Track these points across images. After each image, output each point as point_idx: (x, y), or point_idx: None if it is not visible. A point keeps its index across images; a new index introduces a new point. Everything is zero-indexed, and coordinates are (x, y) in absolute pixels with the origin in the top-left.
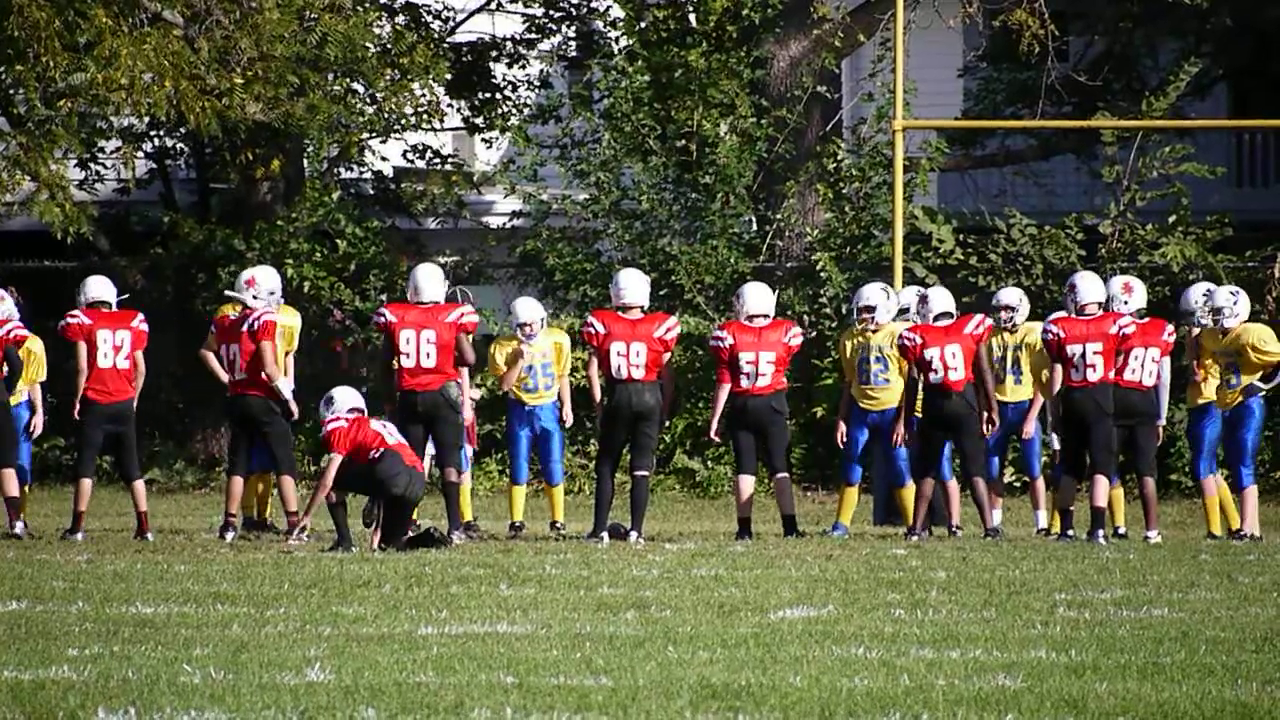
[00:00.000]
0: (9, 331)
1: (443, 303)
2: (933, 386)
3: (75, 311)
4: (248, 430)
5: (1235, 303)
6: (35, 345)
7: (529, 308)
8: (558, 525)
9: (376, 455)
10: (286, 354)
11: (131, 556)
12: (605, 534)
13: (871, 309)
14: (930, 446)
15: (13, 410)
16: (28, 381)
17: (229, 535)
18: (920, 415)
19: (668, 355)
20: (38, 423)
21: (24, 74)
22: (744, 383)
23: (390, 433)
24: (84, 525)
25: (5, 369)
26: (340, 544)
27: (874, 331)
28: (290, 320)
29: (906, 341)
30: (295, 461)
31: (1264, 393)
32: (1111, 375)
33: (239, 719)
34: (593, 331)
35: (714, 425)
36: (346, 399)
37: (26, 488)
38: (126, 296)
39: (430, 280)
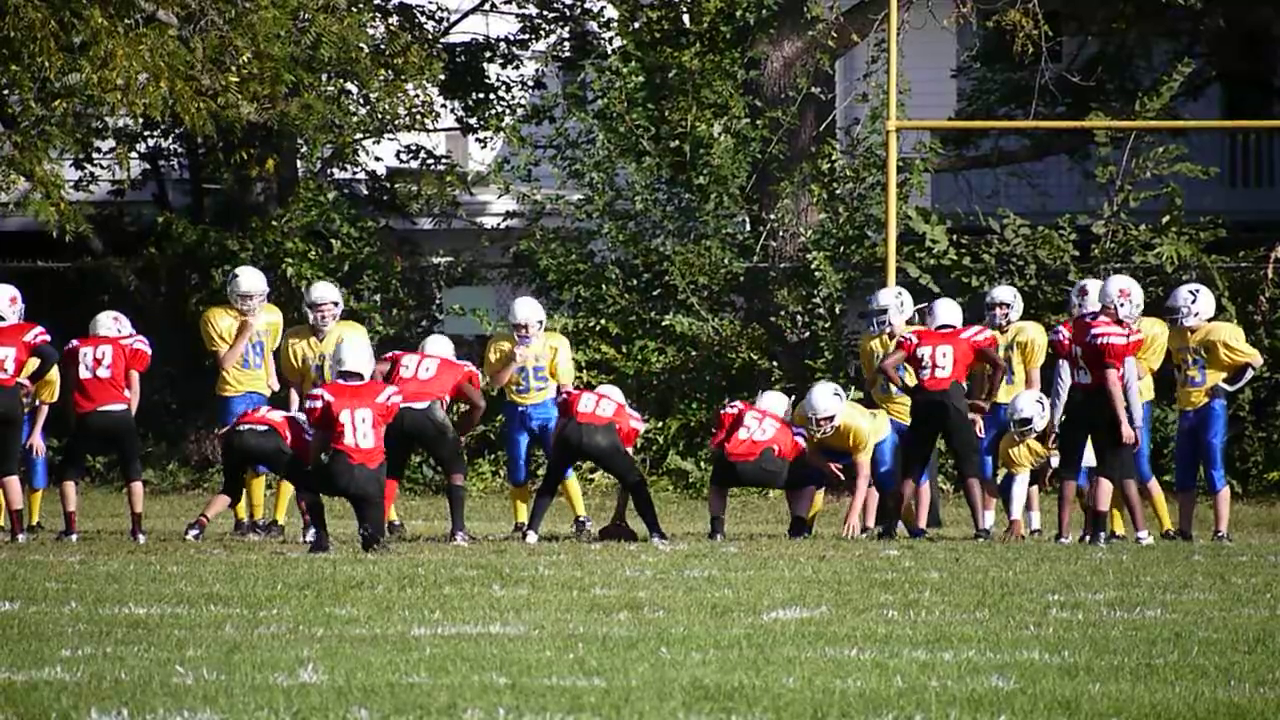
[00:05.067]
0: (36, 335)
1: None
2: (921, 387)
3: (74, 340)
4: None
5: (1194, 301)
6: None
7: (527, 308)
8: (582, 521)
9: (328, 457)
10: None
11: (124, 557)
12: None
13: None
14: (913, 450)
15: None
16: (49, 398)
17: (192, 534)
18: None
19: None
20: (35, 442)
21: (19, 74)
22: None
23: (352, 431)
24: (77, 526)
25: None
26: (316, 546)
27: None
28: (273, 317)
29: (902, 337)
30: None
31: (1227, 394)
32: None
33: None
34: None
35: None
36: (350, 358)
37: (40, 492)
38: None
39: (437, 345)
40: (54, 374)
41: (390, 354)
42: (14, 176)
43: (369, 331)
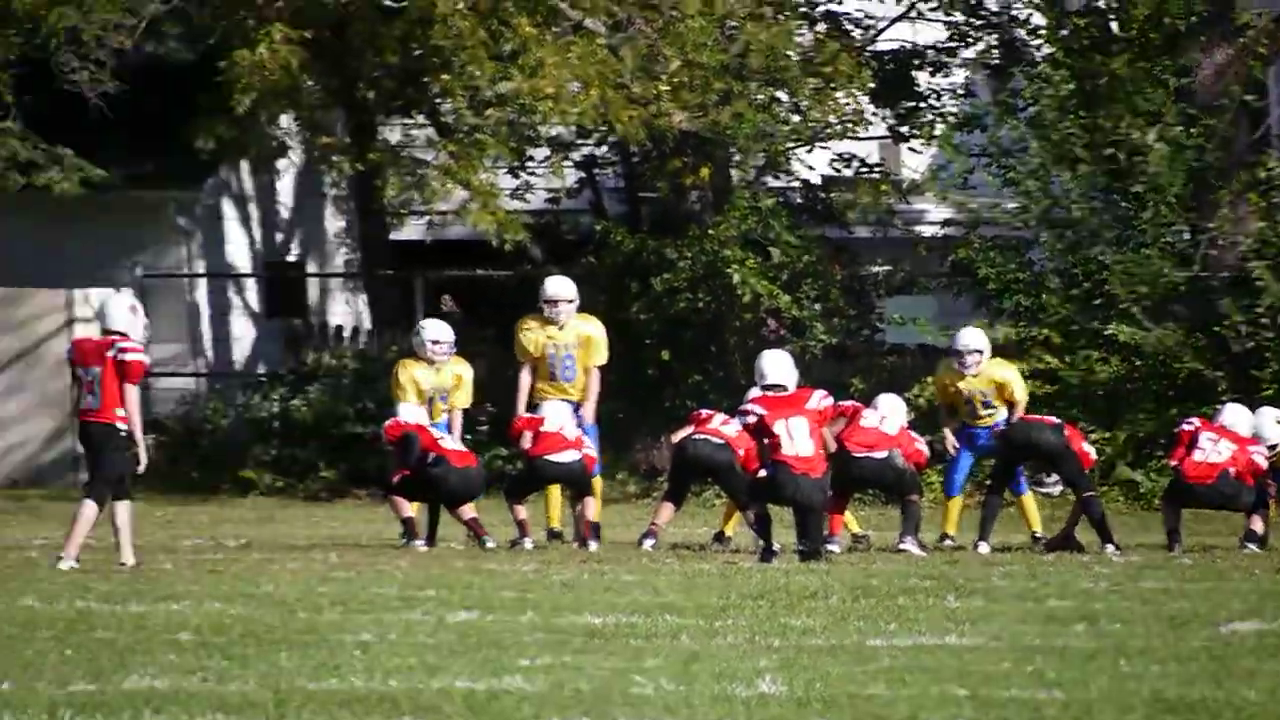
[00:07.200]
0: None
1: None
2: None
3: None
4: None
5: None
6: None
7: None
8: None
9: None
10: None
11: (578, 567)
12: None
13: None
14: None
15: None
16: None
17: (648, 543)
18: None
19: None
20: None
21: (450, 83)
22: None
23: (790, 440)
24: (529, 531)
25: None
26: (765, 556)
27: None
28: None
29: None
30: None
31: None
32: None
33: None
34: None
35: None
36: (771, 372)
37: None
38: None
39: (890, 405)
40: None
41: (849, 405)
42: (451, 185)
43: (810, 339)
